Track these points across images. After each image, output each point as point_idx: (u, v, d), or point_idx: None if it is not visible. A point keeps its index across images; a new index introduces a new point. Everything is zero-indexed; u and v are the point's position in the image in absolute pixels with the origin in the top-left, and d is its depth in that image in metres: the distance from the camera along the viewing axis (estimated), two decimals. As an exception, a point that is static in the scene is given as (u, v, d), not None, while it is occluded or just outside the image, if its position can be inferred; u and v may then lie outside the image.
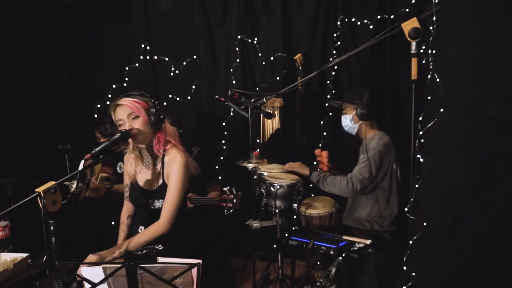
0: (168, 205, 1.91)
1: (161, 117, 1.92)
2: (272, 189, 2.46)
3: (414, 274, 1.81)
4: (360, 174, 2.42)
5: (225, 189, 2.61)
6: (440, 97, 1.66)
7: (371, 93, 2.50)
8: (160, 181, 1.99)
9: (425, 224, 1.74)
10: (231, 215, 2.66)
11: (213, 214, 2.76)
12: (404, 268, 1.85)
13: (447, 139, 1.71)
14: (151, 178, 2.01)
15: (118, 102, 1.89)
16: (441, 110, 1.65)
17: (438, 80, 1.65)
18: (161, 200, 1.96)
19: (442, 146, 1.73)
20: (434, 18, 1.67)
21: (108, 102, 3.62)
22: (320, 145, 3.22)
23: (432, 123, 1.69)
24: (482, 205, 1.58)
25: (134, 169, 2.06)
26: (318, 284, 2.25)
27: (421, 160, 1.78)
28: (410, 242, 1.81)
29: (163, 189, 1.96)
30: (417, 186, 1.80)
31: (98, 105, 3.67)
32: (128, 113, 1.88)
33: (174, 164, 1.94)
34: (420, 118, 2.23)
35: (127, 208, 2.12)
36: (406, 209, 1.82)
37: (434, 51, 1.80)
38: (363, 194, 2.53)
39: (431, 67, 1.72)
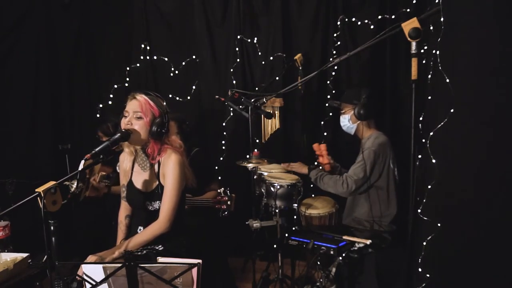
0: (166, 204, 1.89)
1: (163, 131, 1.89)
2: (272, 189, 2.46)
3: (428, 275, 1.80)
4: (354, 175, 2.44)
5: (219, 190, 2.61)
6: (448, 97, 1.65)
7: (369, 92, 2.50)
8: (157, 182, 1.96)
9: (439, 224, 1.73)
10: (229, 216, 2.65)
11: (209, 214, 2.76)
12: (420, 270, 1.84)
13: (455, 138, 1.70)
14: (148, 180, 1.99)
15: (136, 95, 1.88)
16: (451, 110, 1.64)
17: (448, 80, 1.64)
18: (158, 201, 1.94)
19: (451, 145, 1.72)
20: (442, 19, 1.67)
21: (110, 102, 3.63)
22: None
23: (442, 123, 1.68)
24: (487, 205, 1.58)
25: (129, 167, 2.04)
26: (318, 284, 2.24)
27: (433, 161, 1.77)
28: (424, 243, 1.80)
29: (159, 190, 1.94)
30: (429, 187, 1.80)
31: (100, 105, 3.67)
32: (135, 109, 1.86)
33: (170, 163, 1.91)
34: (421, 118, 2.22)
35: (125, 208, 2.11)
36: (419, 210, 1.82)
37: (439, 51, 1.79)
38: (358, 194, 2.54)
39: (440, 67, 1.71)
